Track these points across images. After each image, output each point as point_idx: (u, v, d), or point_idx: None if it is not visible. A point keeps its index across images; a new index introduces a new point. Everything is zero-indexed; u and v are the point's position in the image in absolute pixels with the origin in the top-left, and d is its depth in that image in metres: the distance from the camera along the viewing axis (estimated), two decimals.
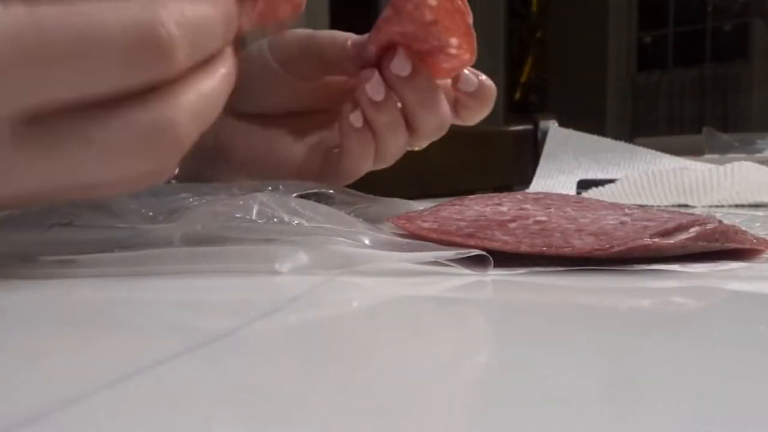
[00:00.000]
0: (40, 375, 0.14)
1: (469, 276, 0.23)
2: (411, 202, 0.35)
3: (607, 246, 0.24)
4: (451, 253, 0.23)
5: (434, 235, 0.25)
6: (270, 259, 0.24)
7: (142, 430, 0.11)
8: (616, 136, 0.82)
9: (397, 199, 0.35)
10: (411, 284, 0.23)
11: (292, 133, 0.38)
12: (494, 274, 0.23)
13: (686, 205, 0.53)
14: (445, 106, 0.35)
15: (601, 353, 0.15)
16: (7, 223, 0.26)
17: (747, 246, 0.26)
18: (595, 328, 0.18)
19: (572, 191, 0.67)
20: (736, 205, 0.52)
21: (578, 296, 0.22)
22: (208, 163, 0.38)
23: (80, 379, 0.13)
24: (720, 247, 0.25)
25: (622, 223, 0.25)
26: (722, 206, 0.52)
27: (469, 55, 0.33)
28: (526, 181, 0.79)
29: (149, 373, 0.13)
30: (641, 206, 0.32)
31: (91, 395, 0.12)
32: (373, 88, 0.33)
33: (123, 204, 0.27)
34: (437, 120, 0.34)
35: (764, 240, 0.27)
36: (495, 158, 1.02)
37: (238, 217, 0.25)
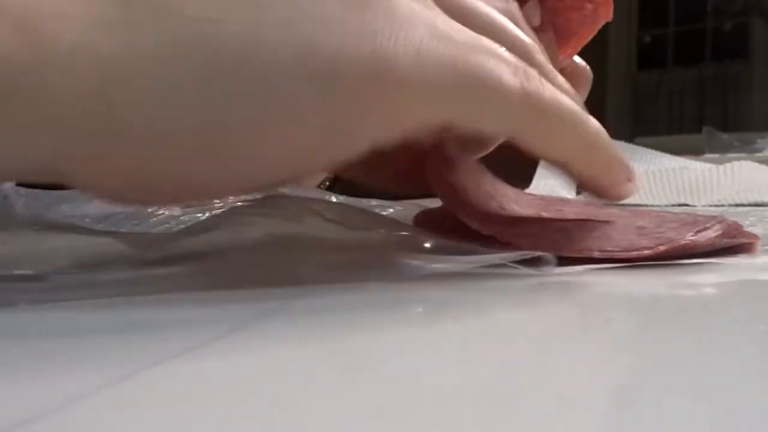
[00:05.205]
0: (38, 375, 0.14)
1: (535, 276, 0.23)
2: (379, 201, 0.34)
3: (653, 245, 0.25)
4: (516, 254, 0.23)
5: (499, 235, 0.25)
6: None
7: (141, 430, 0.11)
8: (616, 136, 0.81)
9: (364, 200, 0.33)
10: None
11: None
12: (558, 272, 0.23)
13: (686, 205, 0.53)
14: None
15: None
16: None
17: (751, 240, 0.27)
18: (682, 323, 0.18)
19: (572, 191, 0.67)
20: (736, 205, 0.52)
21: (652, 289, 0.22)
22: None
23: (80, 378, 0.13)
24: (736, 242, 0.27)
25: (640, 227, 0.26)
26: (722, 206, 0.52)
27: (603, 18, 0.32)
28: (527, 182, 0.79)
29: (151, 369, 0.13)
30: (636, 206, 0.32)
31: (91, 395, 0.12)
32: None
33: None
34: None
35: (754, 234, 0.28)
36: (495, 158, 1.02)
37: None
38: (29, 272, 0.23)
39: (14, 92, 0.17)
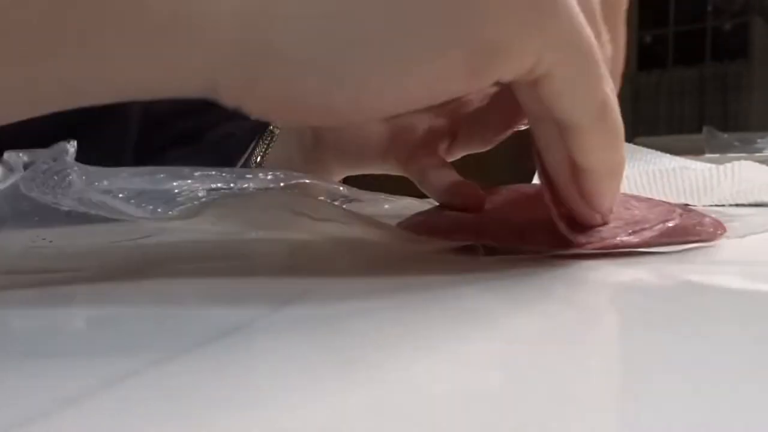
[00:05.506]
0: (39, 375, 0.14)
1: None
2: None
3: (584, 242, 0.26)
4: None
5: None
6: None
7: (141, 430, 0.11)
8: None
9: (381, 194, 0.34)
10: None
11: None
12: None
13: (687, 205, 0.53)
14: None
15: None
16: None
17: (703, 238, 0.28)
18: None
19: None
20: (737, 205, 0.52)
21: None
22: (299, 148, 0.39)
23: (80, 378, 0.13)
24: (680, 240, 0.28)
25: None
26: (722, 206, 0.52)
27: None
28: (526, 181, 0.79)
29: (153, 369, 0.13)
30: None
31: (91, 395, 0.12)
32: None
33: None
34: None
35: (719, 223, 0.29)
36: (495, 158, 1.02)
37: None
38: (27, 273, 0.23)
39: (175, 15, 0.18)
